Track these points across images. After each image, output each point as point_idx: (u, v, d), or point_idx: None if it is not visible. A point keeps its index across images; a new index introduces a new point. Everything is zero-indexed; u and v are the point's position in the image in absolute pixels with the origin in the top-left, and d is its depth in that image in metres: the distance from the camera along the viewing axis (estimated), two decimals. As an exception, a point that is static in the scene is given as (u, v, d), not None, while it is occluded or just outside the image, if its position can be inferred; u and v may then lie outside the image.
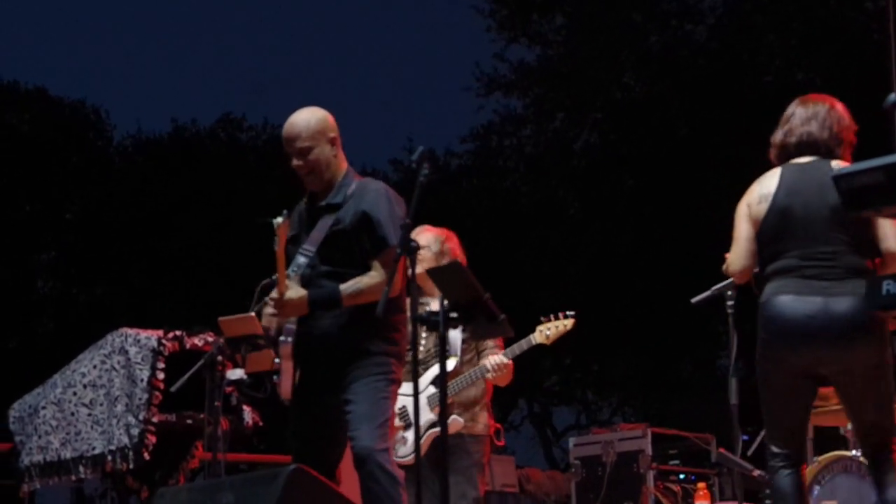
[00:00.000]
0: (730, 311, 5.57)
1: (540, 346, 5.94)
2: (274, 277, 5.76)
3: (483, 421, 5.95)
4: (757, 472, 5.66)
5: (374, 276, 4.83)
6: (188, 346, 7.27)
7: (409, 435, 5.78)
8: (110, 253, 23.89)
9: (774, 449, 4.83)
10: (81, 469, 7.39)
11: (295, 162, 5.00)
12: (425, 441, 5.73)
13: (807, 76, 20.65)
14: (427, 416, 5.75)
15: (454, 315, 4.41)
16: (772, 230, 4.83)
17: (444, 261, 5.88)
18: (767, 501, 6.52)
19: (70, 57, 58.19)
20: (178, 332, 7.32)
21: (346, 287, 4.83)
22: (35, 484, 7.68)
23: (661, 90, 21.34)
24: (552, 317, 5.88)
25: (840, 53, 19.43)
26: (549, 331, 5.87)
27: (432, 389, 5.78)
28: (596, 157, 22.29)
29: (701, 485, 8.81)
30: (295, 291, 4.87)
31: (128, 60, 58.27)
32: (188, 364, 6.51)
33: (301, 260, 4.97)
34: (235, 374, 6.09)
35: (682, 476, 9.20)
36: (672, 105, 21.08)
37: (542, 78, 22.10)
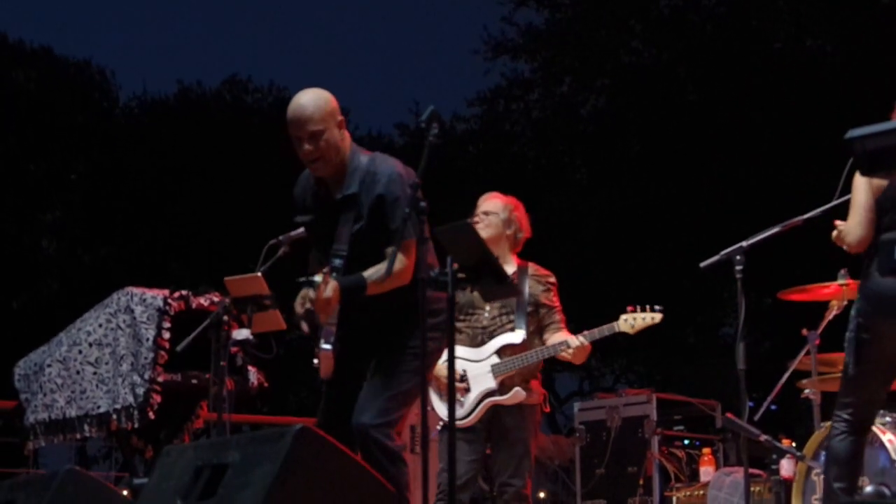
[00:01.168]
0: (738, 276, 5.54)
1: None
2: (281, 237, 5.77)
3: (537, 391, 6.00)
4: (763, 437, 5.67)
5: (395, 264, 4.62)
6: (194, 305, 7.23)
7: (467, 399, 5.84)
8: (115, 213, 23.95)
9: (844, 415, 4.89)
10: (86, 427, 7.37)
11: (306, 147, 4.78)
12: (482, 408, 5.82)
13: (816, 42, 20.60)
14: (487, 384, 5.82)
15: (462, 275, 4.40)
16: (892, 198, 4.82)
17: (511, 229, 5.96)
18: (773, 466, 6.56)
19: (76, 16, 58.17)
20: (183, 292, 7.28)
21: (370, 274, 4.73)
22: (40, 442, 7.61)
23: (670, 55, 21.29)
24: (639, 308, 5.91)
25: (849, 19, 19.35)
26: (634, 321, 5.92)
27: (496, 359, 5.85)
28: (603, 122, 22.26)
29: (706, 450, 8.86)
30: (330, 287, 4.71)
31: (134, 21, 58.20)
32: (194, 324, 6.43)
33: (337, 262, 4.82)
34: (241, 334, 6.11)
35: (686, 441, 9.23)
36: (680, 70, 21.03)
37: (550, 42, 22.05)
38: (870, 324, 4.78)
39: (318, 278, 4.74)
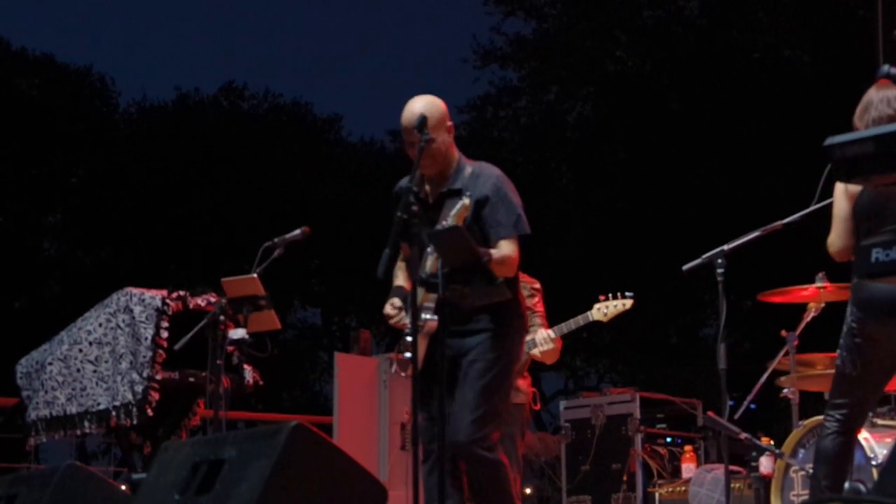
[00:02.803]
0: (720, 279, 5.62)
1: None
2: (276, 240, 5.91)
3: (523, 390, 6.07)
4: (744, 435, 5.77)
5: (506, 252, 4.92)
6: (191, 305, 7.34)
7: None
8: (115, 216, 24.01)
9: (836, 415, 4.92)
10: (86, 424, 7.44)
11: (414, 150, 4.94)
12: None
13: (794, 53, 20.80)
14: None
15: (453, 278, 4.54)
16: (867, 206, 4.88)
17: None
18: (753, 463, 6.68)
19: (77, 25, 58.06)
20: (181, 292, 7.36)
21: (493, 252, 4.88)
22: (41, 438, 7.69)
23: (654, 65, 21.47)
24: (610, 296, 5.97)
25: (826, 30, 19.57)
26: (606, 309, 5.96)
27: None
28: (589, 129, 22.39)
29: (687, 448, 8.96)
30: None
31: (134, 29, 58.13)
32: (191, 323, 6.54)
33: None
34: (237, 333, 6.27)
35: (668, 439, 9.29)
36: (664, 79, 21.20)
37: (537, 51, 22.19)
38: (861, 328, 4.83)
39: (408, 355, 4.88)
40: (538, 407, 6.28)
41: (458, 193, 4.96)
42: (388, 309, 5.09)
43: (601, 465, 9.20)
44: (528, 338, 5.93)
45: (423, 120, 4.88)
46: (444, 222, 4.82)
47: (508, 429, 5.79)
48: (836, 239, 4.93)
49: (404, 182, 5.09)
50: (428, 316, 4.86)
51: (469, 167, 5.08)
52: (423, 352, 4.87)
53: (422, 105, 5.02)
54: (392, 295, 5.11)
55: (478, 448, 4.83)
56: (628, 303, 5.95)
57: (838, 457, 4.93)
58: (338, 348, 22.94)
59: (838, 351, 4.92)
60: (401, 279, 5.18)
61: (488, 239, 4.94)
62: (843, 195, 4.88)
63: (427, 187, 5.08)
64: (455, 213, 4.83)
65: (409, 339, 4.85)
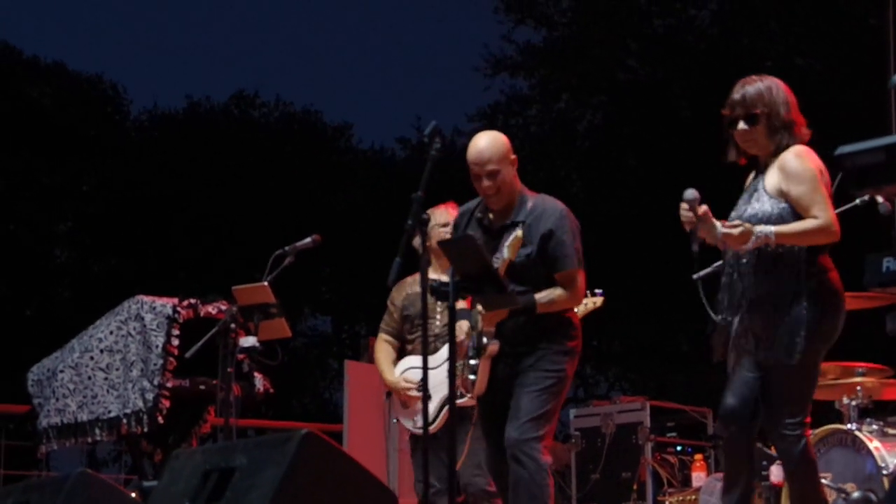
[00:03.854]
0: (731, 286, 5.67)
1: None
2: (286, 248, 5.94)
3: None
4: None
5: (563, 292, 5.17)
6: (202, 313, 7.29)
7: (429, 405, 5.90)
8: (126, 224, 24.10)
9: (807, 420, 4.89)
10: (97, 431, 7.40)
11: (485, 183, 5.22)
12: (444, 415, 5.76)
13: (806, 61, 20.80)
14: (446, 390, 5.76)
15: (464, 285, 4.58)
16: None
17: None
18: (764, 472, 6.69)
19: (89, 33, 58.33)
20: (192, 300, 7.27)
21: (541, 297, 5.13)
22: (52, 445, 7.59)
23: (665, 73, 21.48)
24: (588, 293, 6.00)
25: (838, 39, 19.58)
26: (584, 304, 6.00)
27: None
28: (599, 137, 22.42)
29: (698, 456, 8.96)
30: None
31: (145, 37, 58.34)
32: (202, 331, 6.56)
33: None
34: (248, 341, 6.29)
35: (679, 448, 9.30)
36: (675, 87, 21.21)
37: (547, 59, 22.22)
38: (836, 331, 4.91)
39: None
40: None
41: (517, 226, 5.16)
42: (460, 334, 5.21)
43: (611, 473, 9.21)
44: None
45: (435, 128, 4.91)
46: (497, 255, 5.02)
47: (480, 432, 5.84)
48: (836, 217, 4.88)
49: (470, 204, 5.41)
50: (489, 340, 5.09)
51: (531, 200, 5.29)
52: (485, 374, 5.15)
53: (486, 143, 5.28)
54: (461, 317, 5.21)
55: (527, 447, 5.02)
56: (598, 300, 6.00)
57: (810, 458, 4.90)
58: (348, 356, 23.00)
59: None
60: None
61: (553, 271, 5.17)
62: (821, 181, 4.86)
63: (491, 216, 5.30)
64: (509, 245, 5.04)
65: (472, 361, 5.09)
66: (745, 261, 4.79)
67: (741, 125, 4.83)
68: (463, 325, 5.13)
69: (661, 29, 21.86)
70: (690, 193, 4.80)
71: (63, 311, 23.13)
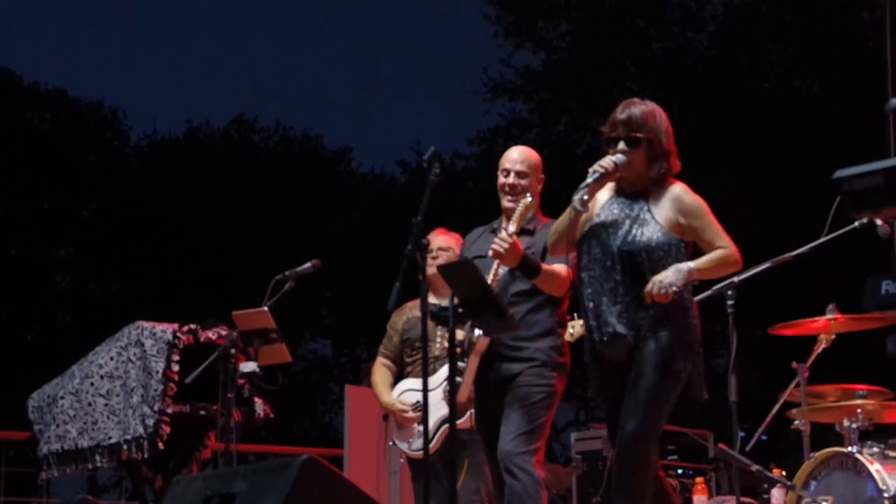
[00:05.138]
0: (730, 310, 5.71)
1: None
2: (287, 273, 5.98)
3: None
4: (755, 467, 5.79)
5: (557, 268, 5.20)
6: (202, 339, 7.35)
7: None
8: (126, 249, 24.13)
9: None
10: (98, 458, 7.42)
11: (510, 179, 5.40)
12: (439, 436, 5.83)
13: (804, 83, 20.86)
14: (442, 411, 5.79)
15: (462, 310, 4.60)
16: None
17: None
18: (765, 496, 6.68)
19: (89, 59, 58.51)
20: (192, 326, 7.38)
21: (545, 267, 5.19)
22: (52, 472, 7.65)
23: (663, 96, 21.51)
24: (575, 315, 6.04)
25: (836, 61, 19.64)
26: (573, 329, 6.04)
27: (447, 385, 5.93)
28: (598, 160, 22.43)
29: (699, 479, 8.92)
30: (507, 242, 5.14)
31: (145, 63, 58.54)
32: (202, 356, 6.57)
33: (501, 240, 5.21)
34: (248, 366, 6.30)
35: (679, 471, 9.28)
36: (674, 110, 21.22)
37: (546, 83, 22.29)
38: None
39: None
40: None
41: (528, 233, 5.36)
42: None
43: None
44: None
45: (434, 153, 4.94)
46: (506, 227, 5.20)
47: (479, 456, 5.88)
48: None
49: (495, 224, 5.50)
50: (479, 332, 5.14)
51: (542, 224, 5.43)
52: (472, 372, 5.23)
53: (522, 149, 5.54)
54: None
55: (520, 460, 5.12)
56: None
57: None
58: (348, 380, 22.96)
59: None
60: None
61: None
62: None
63: (506, 223, 5.38)
64: (519, 212, 5.20)
65: (460, 364, 5.13)
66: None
67: (622, 146, 4.77)
68: (459, 334, 5.15)
69: (659, 52, 21.94)
70: (621, 157, 4.76)
71: (63, 337, 23.15)
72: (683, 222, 4.73)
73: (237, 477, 3.96)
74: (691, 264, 4.66)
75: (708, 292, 5.80)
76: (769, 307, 13.84)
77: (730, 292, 5.69)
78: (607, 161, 4.75)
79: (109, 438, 7.43)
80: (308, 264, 6.45)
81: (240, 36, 62.51)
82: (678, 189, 4.81)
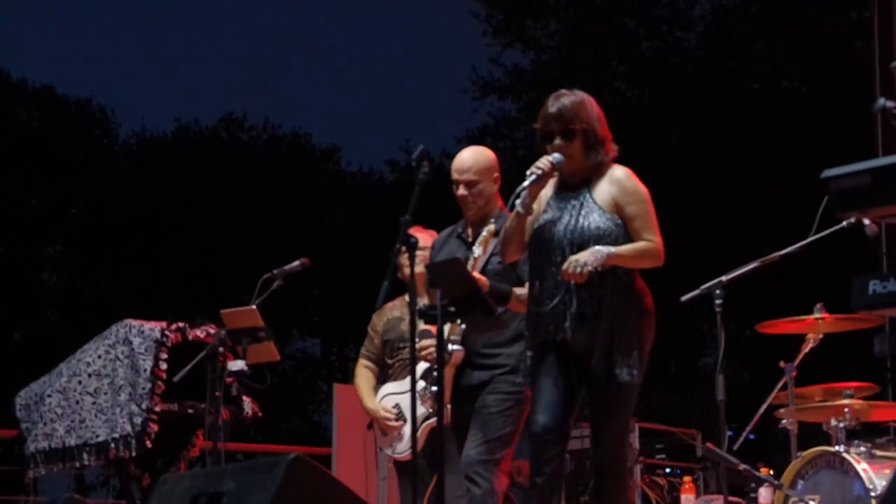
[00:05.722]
0: (718, 310, 5.69)
1: None
2: (275, 271, 5.97)
3: None
4: (742, 467, 5.79)
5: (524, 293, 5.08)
6: (191, 337, 7.29)
7: (406, 430, 5.84)
8: (114, 247, 24.11)
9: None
10: (85, 456, 7.37)
11: (460, 191, 5.29)
12: (421, 434, 5.70)
13: (792, 83, 20.93)
14: (420, 409, 5.84)
15: (451, 309, 4.59)
16: None
17: None
18: (752, 495, 6.69)
19: (77, 56, 58.48)
20: (181, 324, 7.31)
21: (519, 292, 5.09)
22: (40, 470, 7.57)
23: (652, 95, 21.57)
24: None
25: (824, 62, 19.71)
26: None
27: (423, 383, 5.90)
28: (587, 159, 22.47)
29: (686, 478, 8.94)
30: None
31: (133, 61, 58.51)
32: (190, 355, 6.56)
33: None
34: (236, 365, 6.29)
35: (668, 470, 9.28)
36: (662, 110, 21.31)
37: (535, 82, 22.29)
38: None
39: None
40: None
41: (493, 234, 5.19)
42: (423, 352, 5.29)
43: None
44: None
45: (423, 152, 4.95)
46: (473, 248, 5.10)
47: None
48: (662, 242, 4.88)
49: (443, 234, 5.51)
50: (456, 347, 5.11)
51: (504, 216, 5.26)
52: (450, 381, 5.16)
53: (470, 154, 5.38)
54: (421, 337, 5.27)
55: (482, 468, 5.05)
56: None
57: None
58: (337, 379, 23.01)
59: None
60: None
61: (523, 279, 5.09)
62: None
63: (469, 230, 5.35)
64: (481, 240, 5.10)
65: (436, 373, 4.99)
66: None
67: (557, 140, 4.76)
68: (425, 343, 5.19)
69: (648, 52, 21.98)
70: (558, 156, 4.76)
71: (51, 335, 23.12)
72: (621, 201, 4.72)
73: (225, 476, 3.95)
74: (612, 249, 4.62)
75: (696, 291, 5.80)
76: (757, 306, 13.88)
77: (718, 291, 5.68)
78: (543, 162, 4.73)
79: (97, 437, 7.39)
80: (296, 263, 6.45)
81: (229, 34, 62.51)
82: (619, 171, 4.80)
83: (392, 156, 25.91)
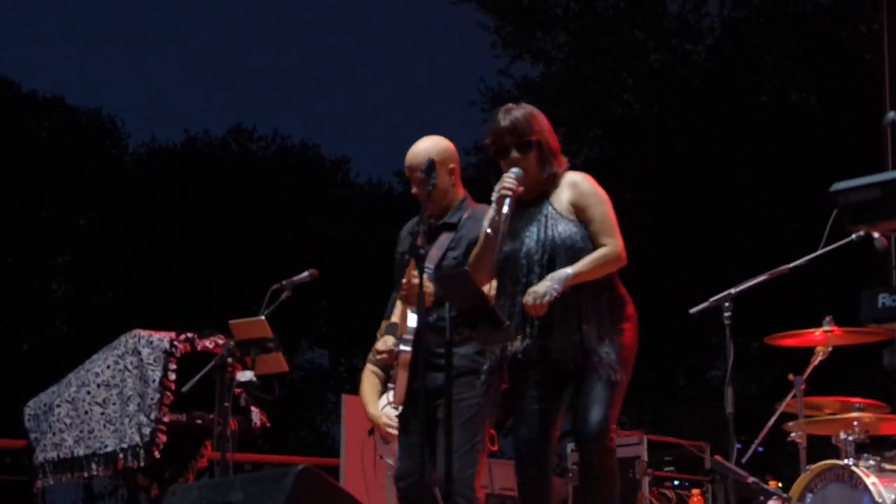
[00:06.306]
0: (727, 322, 5.70)
1: None
2: (284, 282, 5.97)
3: None
4: (751, 479, 5.78)
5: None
6: (199, 347, 7.31)
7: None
8: (123, 257, 24.14)
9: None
10: (94, 466, 7.40)
11: (414, 189, 5.15)
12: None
13: (800, 96, 20.93)
14: (392, 411, 5.68)
15: (460, 321, 4.60)
16: None
17: None
18: (760, 508, 6.67)
19: (87, 67, 58.66)
20: (189, 335, 7.33)
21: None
22: (48, 480, 7.62)
23: (661, 107, 21.57)
24: None
25: (833, 74, 19.70)
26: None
27: (385, 400, 5.84)
28: (595, 171, 22.39)
29: (695, 491, 8.91)
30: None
31: (143, 72, 58.60)
32: (199, 365, 6.59)
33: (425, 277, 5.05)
34: (245, 375, 6.30)
35: (676, 482, 9.25)
36: (671, 122, 21.31)
37: (544, 94, 22.31)
38: None
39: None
40: (495, 448, 6.30)
41: (452, 227, 5.11)
42: (380, 345, 5.17)
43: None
44: None
45: (430, 164, 4.94)
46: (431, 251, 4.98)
47: None
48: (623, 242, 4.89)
49: (409, 225, 5.32)
50: (403, 347, 5.01)
51: (470, 209, 5.17)
52: (403, 383, 5.03)
53: (423, 146, 5.19)
54: (385, 333, 5.19)
55: (461, 486, 4.87)
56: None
57: None
58: (345, 389, 22.95)
59: None
60: (394, 317, 5.28)
61: None
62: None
63: (431, 220, 5.21)
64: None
65: (393, 372, 5.07)
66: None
67: (514, 153, 4.72)
68: (388, 341, 5.11)
69: (656, 64, 21.99)
70: (517, 171, 4.72)
71: (60, 345, 23.14)
72: (582, 204, 4.71)
73: (233, 486, 3.99)
74: (569, 270, 4.58)
75: (705, 304, 5.81)
76: (766, 319, 13.85)
77: (727, 304, 5.68)
78: (509, 181, 4.68)
79: (105, 447, 7.41)
80: (305, 273, 6.45)
81: (238, 45, 62.63)
82: (575, 176, 4.80)
83: (401, 167, 25.64)
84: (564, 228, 4.69)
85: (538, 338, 4.67)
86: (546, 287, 4.55)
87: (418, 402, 4.96)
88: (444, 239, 5.13)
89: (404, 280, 4.95)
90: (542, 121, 4.82)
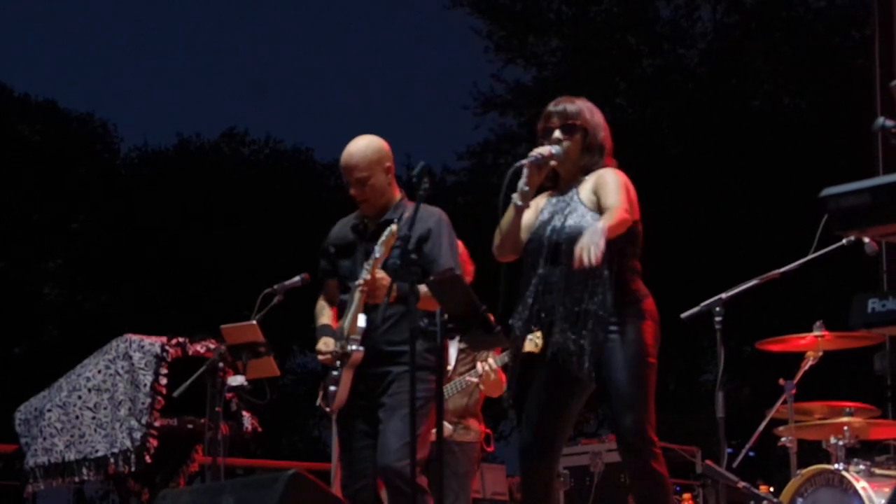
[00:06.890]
0: (718, 326, 5.71)
1: None
2: (275, 287, 5.97)
3: (474, 429, 6.08)
4: (742, 484, 5.79)
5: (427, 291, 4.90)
6: (191, 352, 7.31)
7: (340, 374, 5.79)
8: (115, 262, 24.10)
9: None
10: (84, 471, 7.37)
11: (352, 190, 5.19)
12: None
13: (793, 101, 20.99)
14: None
15: (451, 326, 4.59)
16: None
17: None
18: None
19: (79, 71, 58.47)
20: (181, 339, 7.34)
21: (425, 291, 4.85)
22: (39, 485, 7.57)
23: (653, 112, 21.62)
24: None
25: (825, 79, 19.76)
26: (538, 339, 6.01)
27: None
28: (588, 175, 22.53)
29: (686, 495, 8.92)
30: (383, 274, 5.00)
31: (135, 76, 58.59)
32: (190, 370, 6.52)
33: (365, 274, 5.07)
34: (236, 380, 6.28)
35: (667, 487, 9.29)
36: (663, 126, 21.36)
37: (537, 98, 22.35)
38: None
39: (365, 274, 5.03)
40: (491, 449, 6.29)
41: (391, 223, 5.10)
42: (321, 346, 5.19)
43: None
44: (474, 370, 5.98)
45: (423, 168, 4.93)
46: (374, 246, 4.98)
47: (456, 468, 5.86)
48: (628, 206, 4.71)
49: (342, 221, 5.41)
50: (354, 347, 5.00)
51: (409, 208, 5.15)
52: (347, 384, 5.04)
53: (357, 147, 5.23)
54: (322, 334, 5.25)
55: (402, 477, 4.82)
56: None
57: None
58: (337, 394, 22.87)
59: None
60: (325, 318, 5.34)
61: (429, 274, 4.95)
62: None
63: (366, 220, 5.28)
64: (383, 241, 4.98)
65: (335, 372, 5.02)
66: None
67: (556, 133, 4.66)
68: (329, 342, 5.14)
69: (649, 68, 22.05)
70: (557, 148, 4.66)
71: (51, 350, 23.09)
72: (597, 192, 4.61)
73: (224, 491, 3.98)
74: (599, 224, 4.38)
75: (696, 308, 5.82)
76: (757, 323, 13.89)
77: (718, 308, 5.69)
78: (543, 147, 4.63)
79: (96, 451, 7.40)
80: (297, 278, 6.44)
81: (231, 49, 62.59)
82: (604, 171, 4.67)
83: (395, 172, 25.89)
84: (576, 218, 4.59)
85: (548, 337, 4.63)
86: (587, 239, 4.31)
87: (359, 404, 5.02)
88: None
89: (367, 277, 4.98)
90: (597, 115, 4.76)
